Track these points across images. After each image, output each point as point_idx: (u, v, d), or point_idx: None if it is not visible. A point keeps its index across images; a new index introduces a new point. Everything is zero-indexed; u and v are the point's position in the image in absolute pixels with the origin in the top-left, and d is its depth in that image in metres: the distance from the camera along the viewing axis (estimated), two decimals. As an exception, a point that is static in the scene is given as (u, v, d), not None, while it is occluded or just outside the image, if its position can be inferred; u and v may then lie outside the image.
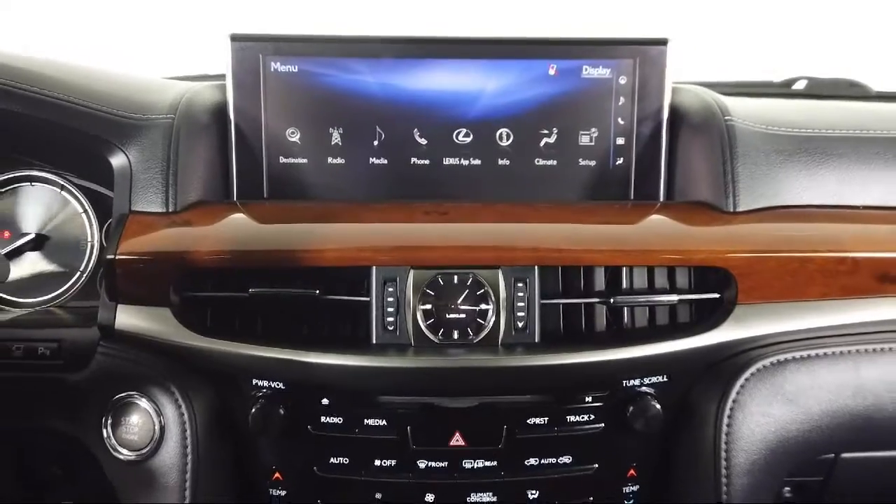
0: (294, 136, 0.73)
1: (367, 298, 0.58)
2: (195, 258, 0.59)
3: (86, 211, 0.74)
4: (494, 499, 0.60)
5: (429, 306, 0.57)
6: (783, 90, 1.07)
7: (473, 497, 0.60)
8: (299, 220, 0.64)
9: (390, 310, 0.57)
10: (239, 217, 0.64)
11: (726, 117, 0.67)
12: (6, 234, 0.75)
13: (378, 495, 0.60)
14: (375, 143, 0.73)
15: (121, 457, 0.58)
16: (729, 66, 1.20)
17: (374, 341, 0.58)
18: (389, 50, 0.72)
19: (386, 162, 0.73)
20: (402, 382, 0.58)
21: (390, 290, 0.58)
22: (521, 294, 0.58)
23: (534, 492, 0.61)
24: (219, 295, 0.59)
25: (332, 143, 0.73)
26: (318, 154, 0.73)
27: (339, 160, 0.73)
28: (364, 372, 0.56)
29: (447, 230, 0.60)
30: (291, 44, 0.72)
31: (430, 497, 0.60)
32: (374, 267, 0.58)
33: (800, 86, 1.07)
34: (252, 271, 0.59)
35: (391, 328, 0.58)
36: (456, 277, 0.58)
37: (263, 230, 0.61)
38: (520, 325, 0.58)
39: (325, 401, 0.58)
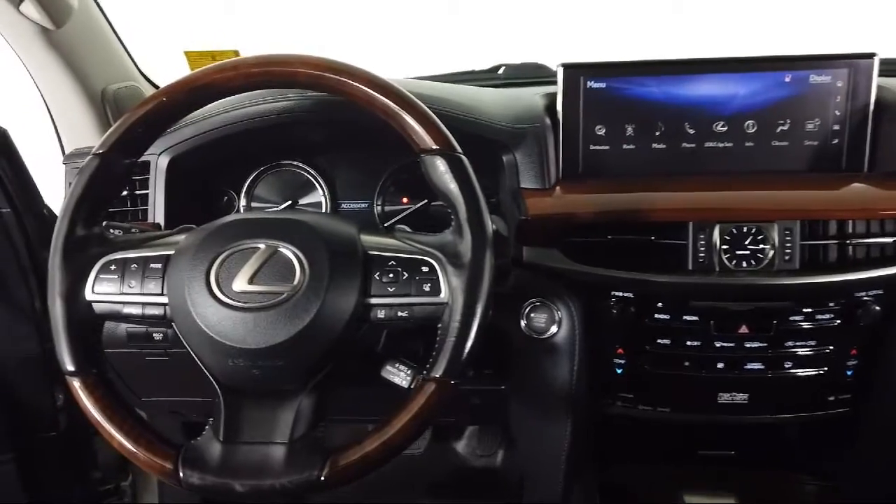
0: (600, 131, 1.03)
1: (684, 242, 0.93)
2: (573, 217, 0.95)
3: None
4: (763, 366, 0.94)
5: (727, 246, 0.92)
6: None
7: (749, 365, 0.94)
8: (631, 190, 0.96)
9: (702, 249, 0.92)
10: (593, 188, 0.98)
11: None
12: (404, 200, 1.14)
13: (686, 363, 0.96)
14: (657, 133, 1.01)
15: (534, 336, 0.96)
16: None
17: (690, 268, 0.93)
18: (670, 69, 1.00)
19: (664, 146, 1.03)
20: (709, 293, 0.92)
21: (701, 236, 0.92)
22: (787, 239, 0.90)
23: (789, 363, 0.95)
24: (589, 239, 0.95)
25: (627, 134, 1.02)
26: (616, 142, 1.02)
27: (631, 146, 1.02)
28: (686, 286, 0.91)
29: (740, 197, 0.93)
30: (602, 69, 1.01)
31: (720, 364, 0.95)
32: (690, 222, 0.93)
33: None
34: (609, 223, 0.94)
35: (701, 260, 0.92)
36: (745, 228, 0.91)
37: (614, 198, 0.95)
38: (786, 258, 0.91)
39: (659, 304, 0.94)
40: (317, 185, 1.12)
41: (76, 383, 0.71)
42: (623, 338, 0.97)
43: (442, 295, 0.71)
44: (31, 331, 1.13)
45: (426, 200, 1.11)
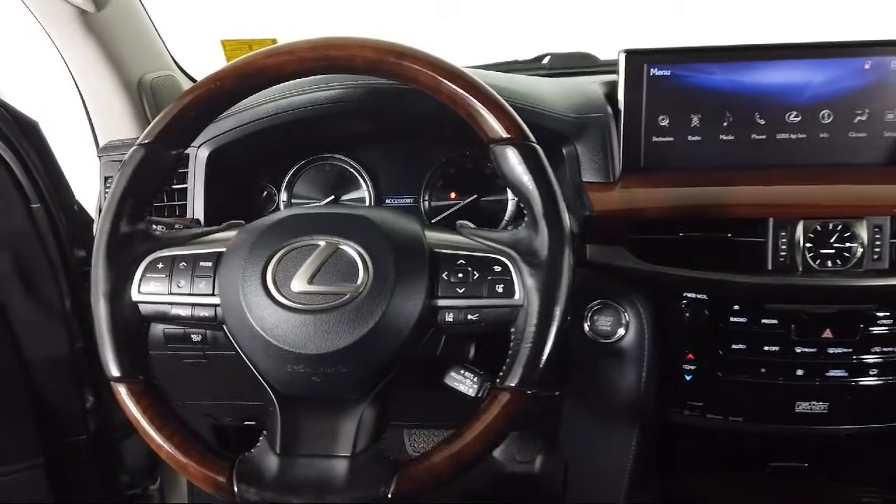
0: (664, 122, 0.98)
1: (763, 239, 0.86)
2: (641, 213, 0.89)
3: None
4: (846, 374, 0.87)
5: (811, 244, 0.85)
6: None
7: (831, 372, 0.88)
8: (701, 184, 0.90)
9: (783, 247, 0.86)
10: (658, 182, 0.92)
11: None
12: (452, 195, 1.08)
13: (763, 370, 0.89)
14: (725, 124, 0.96)
15: (599, 340, 0.90)
16: None
17: (769, 268, 0.86)
18: (738, 56, 0.94)
19: (732, 138, 0.97)
20: (790, 294, 0.86)
21: (782, 234, 0.85)
22: (877, 236, 0.84)
23: (874, 370, 0.88)
24: (658, 237, 0.89)
25: (692, 125, 0.97)
26: (681, 134, 0.97)
27: (697, 137, 0.97)
28: (765, 287, 0.85)
29: (825, 191, 0.87)
30: (666, 55, 0.95)
31: (800, 371, 0.88)
32: (770, 218, 0.86)
33: None
34: (680, 219, 0.88)
35: (782, 259, 0.86)
36: (831, 225, 0.85)
37: (685, 192, 0.89)
38: (875, 257, 0.85)
39: (735, 307, 0.88)
40: (360, 179, 1.07)
41: (122, 390, 0.66)
42: (694, 342, 0.91)
43: (516, 297, 0.65)
44: (62, 331, 1.08)
45: (475, 195, 1.05)
